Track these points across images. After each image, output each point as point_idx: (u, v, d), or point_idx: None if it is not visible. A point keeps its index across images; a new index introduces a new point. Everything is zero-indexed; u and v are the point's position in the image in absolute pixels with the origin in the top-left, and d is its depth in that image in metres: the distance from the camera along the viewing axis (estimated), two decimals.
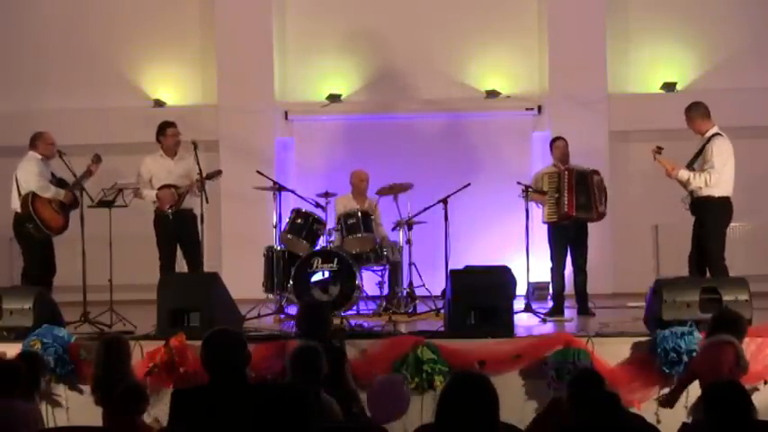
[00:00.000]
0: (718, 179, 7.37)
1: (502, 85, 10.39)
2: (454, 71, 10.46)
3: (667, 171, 7.48)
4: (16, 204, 8.02)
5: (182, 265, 8.62)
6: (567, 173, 8.15)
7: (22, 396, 5.03)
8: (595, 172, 8.20)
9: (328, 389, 4.83)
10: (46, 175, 8.09)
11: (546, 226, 8.32)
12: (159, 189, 8.28)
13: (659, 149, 7.52)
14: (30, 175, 7.99)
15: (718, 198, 7.41)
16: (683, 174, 7.40)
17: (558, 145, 8.43)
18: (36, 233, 7.89)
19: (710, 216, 7.43)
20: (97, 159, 8.22)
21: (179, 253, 8.48)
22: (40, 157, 8.10)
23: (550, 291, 8.46)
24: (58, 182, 8.14)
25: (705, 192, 7.39)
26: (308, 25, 10.58)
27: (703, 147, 7.47)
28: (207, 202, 8.09)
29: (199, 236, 8.23)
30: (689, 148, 7.68)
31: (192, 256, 8.31)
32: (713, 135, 7.47)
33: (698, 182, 7.36)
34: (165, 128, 8.49)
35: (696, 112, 7.54)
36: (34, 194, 7.92)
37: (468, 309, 6.77)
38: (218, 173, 8.43)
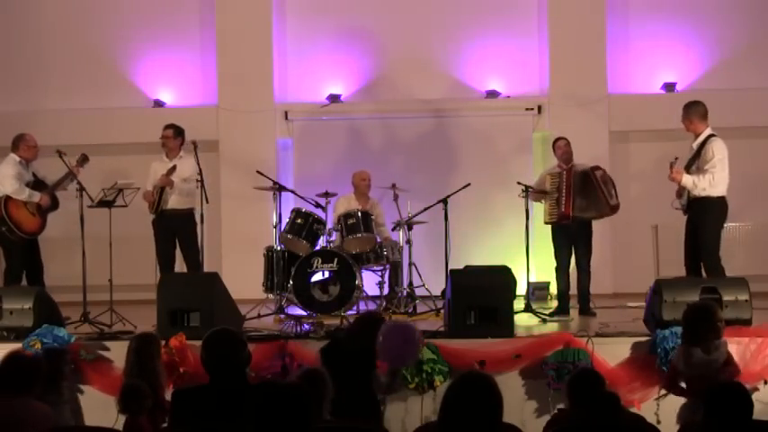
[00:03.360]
0: (721, 179, 7.37)
1: (502, 86, 10.39)
2: (454, 71, 10.46)
3: (674, 175, 7.43)
4: None
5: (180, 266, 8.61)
6: (566, 173, 8.15)
7: (41, 394, 4.81)
8: (596, 167, 8.13)
9: None
10: (25, 177, 8.00)
11: (550, 226, 8.31)
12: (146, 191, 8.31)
13: (676, 160, 7.48)
14: (4, 178, 7.93)
15: (717, 198, 7.41)
16: (688, 179, 7.38)
17: (559, 145, 8.40)
18: (10, 235, 7.87)
19: (710, 215, 7.41)
20: (83, 160, 8.14)
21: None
22: (18, 159, 8.03)
23: (554, 290, 8.44)
24: (37, 184, 8.03)
25: (705, 192, 7.38)
26: (307, 26, 10.58)
27: (701, 148, 7.47)
28: (207, 202, 8.10)
29: (196, 236, 8.22)
30: (689, 147, 7.68)
31: (189, 257, 8.30)
32: (709, 136, 7.47)
33: (703, 183, 7.33)
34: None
35: (696, 111, 7.51)
36: (7, 197, 7.88)
37: (468, 309, 6.75)
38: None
